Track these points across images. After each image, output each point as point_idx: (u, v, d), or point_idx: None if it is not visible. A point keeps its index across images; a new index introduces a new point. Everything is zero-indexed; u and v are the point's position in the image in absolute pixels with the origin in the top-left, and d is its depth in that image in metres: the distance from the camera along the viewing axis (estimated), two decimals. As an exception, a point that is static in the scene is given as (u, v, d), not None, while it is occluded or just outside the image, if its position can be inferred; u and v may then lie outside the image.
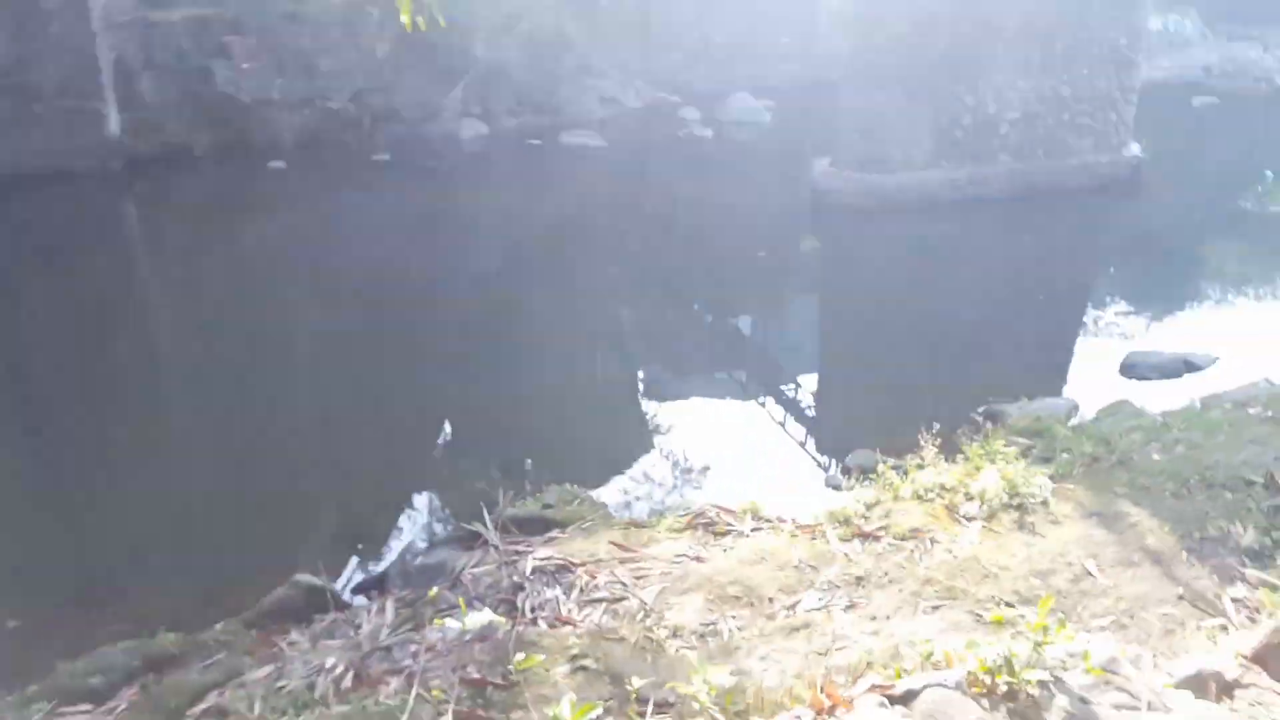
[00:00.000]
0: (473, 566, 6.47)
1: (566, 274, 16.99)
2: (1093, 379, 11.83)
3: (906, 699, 3.58)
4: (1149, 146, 21.18)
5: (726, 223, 20.32)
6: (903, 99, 18.85)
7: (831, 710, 3.61)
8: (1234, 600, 6.43)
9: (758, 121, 29.36)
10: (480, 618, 3.74)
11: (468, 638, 4.30)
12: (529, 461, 8.32)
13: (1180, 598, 6.46)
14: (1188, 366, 11.85)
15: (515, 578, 6.31)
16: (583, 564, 6.38)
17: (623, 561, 6.41)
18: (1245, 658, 5.32)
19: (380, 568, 7.60)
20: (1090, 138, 20.24)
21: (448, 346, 13.91)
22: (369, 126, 25.69)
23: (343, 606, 6.15)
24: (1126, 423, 9.18)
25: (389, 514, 9.12)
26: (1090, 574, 6.67)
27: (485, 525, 6.93)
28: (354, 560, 7.99)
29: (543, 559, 6.42)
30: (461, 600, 5.16)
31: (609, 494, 9.32)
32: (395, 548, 8.18)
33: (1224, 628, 6.12)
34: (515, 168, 24.90)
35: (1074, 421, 9.70)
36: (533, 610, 5.99)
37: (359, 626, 5.46)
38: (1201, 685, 5.16)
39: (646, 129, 28.27)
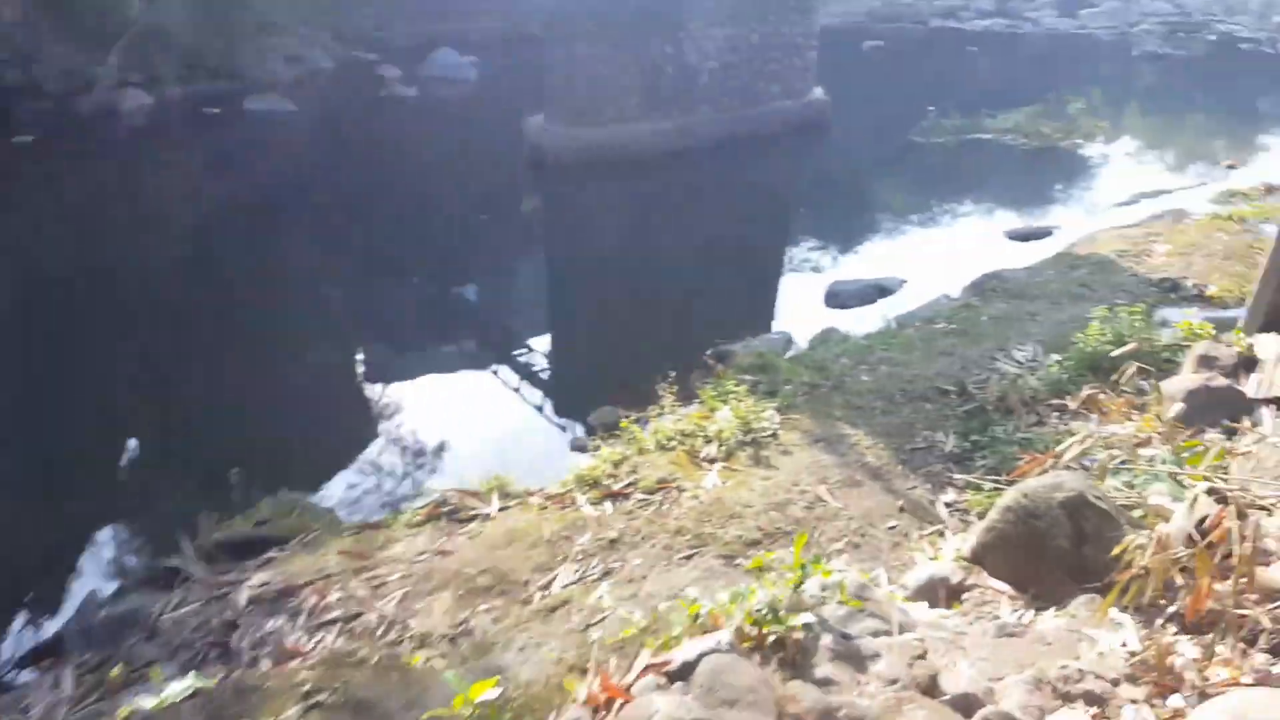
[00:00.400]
0: (172, 609, 5.55)
1: (262, 256, 15.38)
2: (803, 311, 12.53)
3: (684, 673, 3.38)
4: (830, 90, 22.77)
5: (441, 187, 19.44)
6: (608, 51, 18.87)
7: (609, 704, 3.33)
8: (946, 505, 6.96)
9: (464, 78, 28.30)
10: (180, 686, 3.05)
11: (168, 704, 3.57)
12: (236, 473, 7.31)
13: (901, 510, 6.90)
14: (880, 291, 12.86)
15: (228, 614, 5.49)
16: (309, 583, 5.68)
17: (357, 572, 5.78)
18: (965, 559, 5.74)
19: (53, 628, 6.33)
20: (780, 84, 21.43)
21: (127, 352, 12.12)
22: (3, 104, 21.78)
23: (4, 688, 5.03)
24: (836, 349, 9.77)
25: (61, 559, 7.65)
26: (823, 499, 6.96)
27: (185, 556, 5.99)
28: (17, 624, 6.62)
29: (260, 586, 5.64)
30: (156, 669, 4.31)
31: (336, 496, 8.52)
32: (72, 600, 6.85)
33: (941, 533, 6.60)
34: (191, 141, 22.17)
35: (791, 353, 10.17)
36: (252, 649, 5.23)
37: (28, 710, 4.46)
38: (932, 592, 5.49)
39: (343, 90, 26.34)
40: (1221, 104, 28.76)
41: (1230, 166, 19.47)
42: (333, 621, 5.28)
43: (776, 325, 12.24)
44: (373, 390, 11.83)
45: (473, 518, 6.49)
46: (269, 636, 5.11)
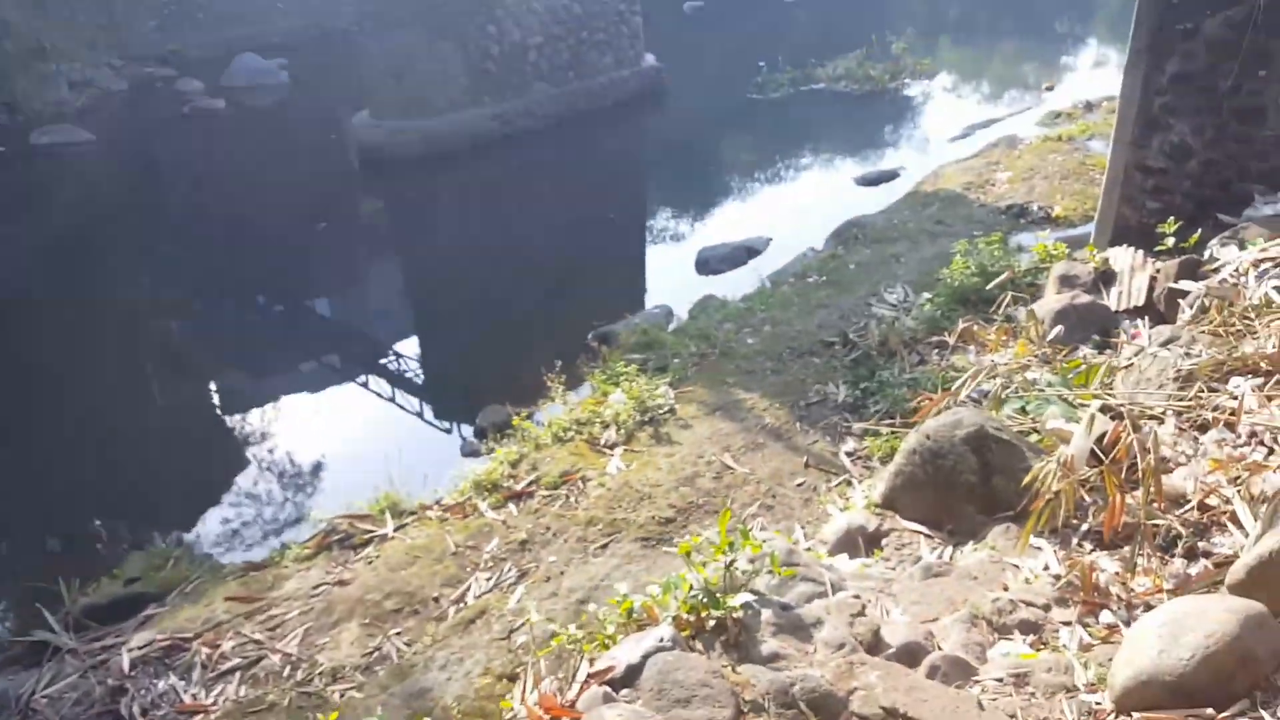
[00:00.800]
0: (46, 686, 5.03)
1: (89, 299, 13.88)
2: (676, 282, 12.37)
3: (630, 677, 3.18)
4: (661, 56, 22.67)
5: (270, 200, 18.17)
6: (426, 36, 18.14)
7: (554, 724, 3.10)
8: (848, 455, 7.03)
9: (275, 83, 26.63)
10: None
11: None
12: (95, 530, 6.58)
13: (807, 465, 6.92)
14: (749, 252, 12.87)
15: (111, 681, 5.01)
16: (198, 635, 5.23)
17: (249, 615, 5.35)
18: (877, 505, 5.78)
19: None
20: (610, 54, 21.17)
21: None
22: None
23: None
24: (717, 315, 9.72)
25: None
26: (729, 467, 6.91)
27: (52, 628, 5.40)
28: None
29: (143, 646, 5.16)
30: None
31: (213, 539, 7.89)
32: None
33: (848, 482, 6.65)
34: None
35: (674, 325, 10.05)
36: (144, 713, 4.79)
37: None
38: (851, 543, 5.50)
39: (142, 111, 24.28)
40: (1025, 28, 30.40)
41: (1048, 88, 20.53)
42: (231, 670, 4.89)
43: (652, 300, 12.08)
44: (234, 421, 11.00)
45: (368, 541, 6.11)
46: (162, 697, 4.68)
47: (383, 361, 12.08)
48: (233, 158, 21.24)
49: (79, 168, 20.77)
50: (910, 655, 3.71)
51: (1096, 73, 22.85)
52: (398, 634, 5.22)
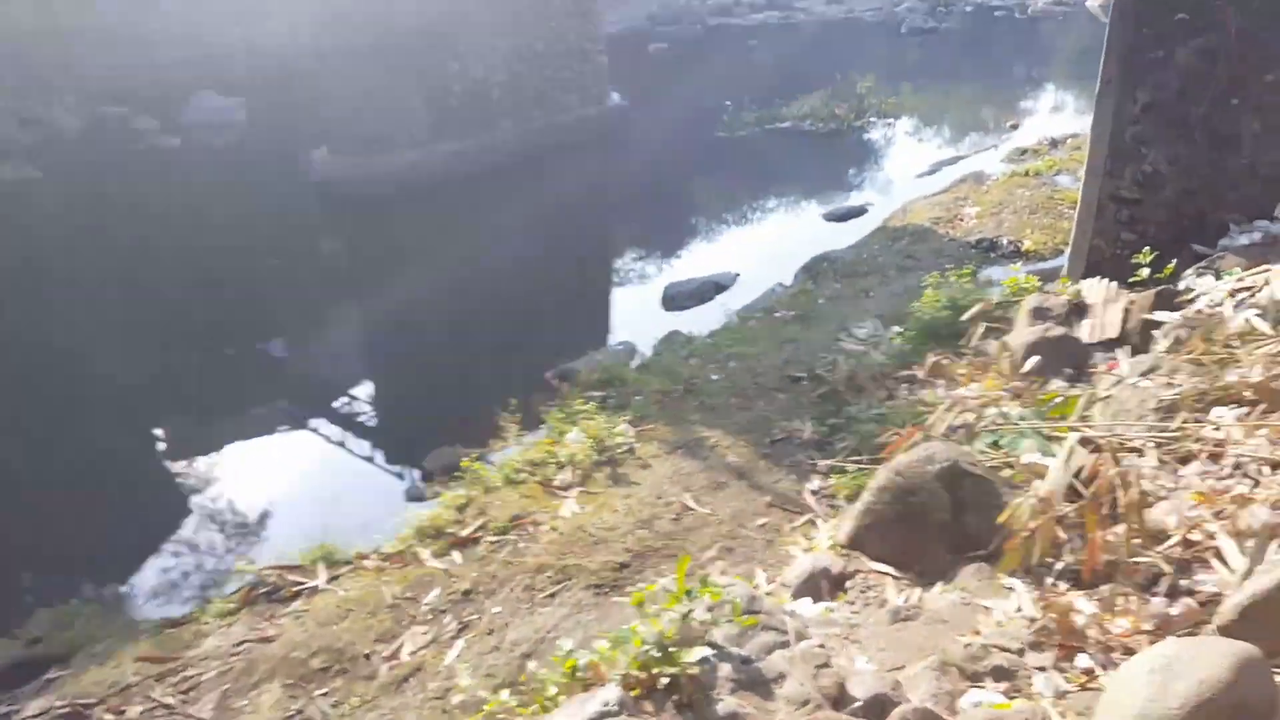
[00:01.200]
0: (-71, 763, 4.53)
1: (31, 338, 13.39)
2: (641, 318, 12.08)
3: (567, 749, 2.78)
4: (626, 95, 22.63)
5: (223, 238, 17.58)
6: (387, 74, 17.92)
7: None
8: (813, 493, 6.67)
9: (232, 121, 26.22)
10: None
11: None
12: (21, 578, 6.06)
13: (770, 505, 6.56)
14: (716, 288, 12.63)
15: (5, 754, 4.52)
16: (102, 701, 4.74)
17: (161, 678, 4.88)
18: (842, 546, 5.42)
19: None
20: (574, 92, 21.13)
21: None
22: None
23: None
24: (682, 351, 9.43)
25: None
26: (690, 508, 6.54)
27: (-59, 696, 4.90)
28: None
29: (39, 714, 4.67)
30: None
31: (142, 592, 7.38)
32: None
33: (812, 522, 6.30)
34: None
35: (637, 362, 9.74)
36: (40, 791, 4.30)
37: None
38: (815, 586, 5.11)
39: (95, 149, 23.83)
40: (987, 70, 30.86)
41: (1013, 126, 20.72)
42: (134, 744, 4.40)
43: (617, 336, 11.75)
44: (175, 468, 10.44)
45: (297, 594, 5.65)
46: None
47: (335, 405, 11.59)
48: (186, 196, 20.73)
49: (25, 206, 20.21)
50: (878, 708, 3.35)
51: (1058, 113, 23.11)
52: (323, 695, 4.77)
